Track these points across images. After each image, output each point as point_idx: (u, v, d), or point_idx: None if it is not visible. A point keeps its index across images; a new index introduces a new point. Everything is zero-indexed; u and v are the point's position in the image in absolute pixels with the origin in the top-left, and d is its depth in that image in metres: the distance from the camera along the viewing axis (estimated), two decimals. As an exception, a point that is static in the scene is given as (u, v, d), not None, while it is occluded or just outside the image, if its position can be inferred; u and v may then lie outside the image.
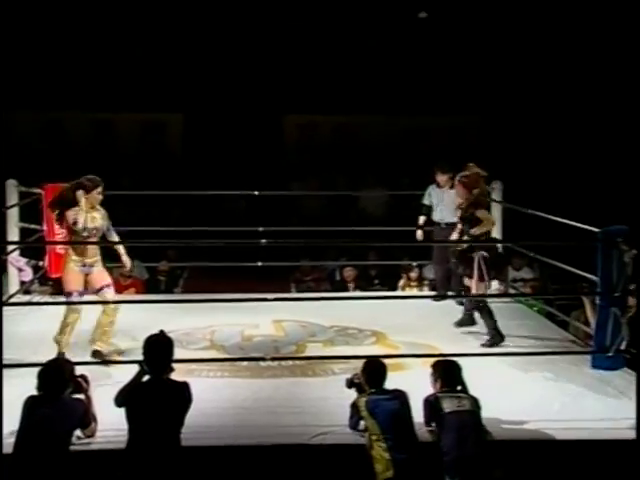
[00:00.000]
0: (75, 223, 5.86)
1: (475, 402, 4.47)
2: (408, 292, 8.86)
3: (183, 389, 4.03)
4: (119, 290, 9.07)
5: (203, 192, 10.48)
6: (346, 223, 10.91)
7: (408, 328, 6.81)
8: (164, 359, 4.07)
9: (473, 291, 6.34)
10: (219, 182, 11.54)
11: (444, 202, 7.70)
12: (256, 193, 8.75)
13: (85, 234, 5.91)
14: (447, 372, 4.56)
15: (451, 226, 7.52)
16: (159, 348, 4.09)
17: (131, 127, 13.93)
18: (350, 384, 4.65)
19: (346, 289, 9.28)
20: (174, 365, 4.24)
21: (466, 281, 6.53)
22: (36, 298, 7.62)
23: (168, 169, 13.12)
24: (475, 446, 4.27)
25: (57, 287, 8.33)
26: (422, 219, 7.86)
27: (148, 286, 9.65)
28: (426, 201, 7.85)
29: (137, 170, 12.78)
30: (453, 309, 7.50)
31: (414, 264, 8.99)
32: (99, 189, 5.93)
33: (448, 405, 4.38)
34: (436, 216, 7.77)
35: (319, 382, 5.55)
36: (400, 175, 12.33)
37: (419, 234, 7.88)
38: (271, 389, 5.42)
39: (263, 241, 6.13)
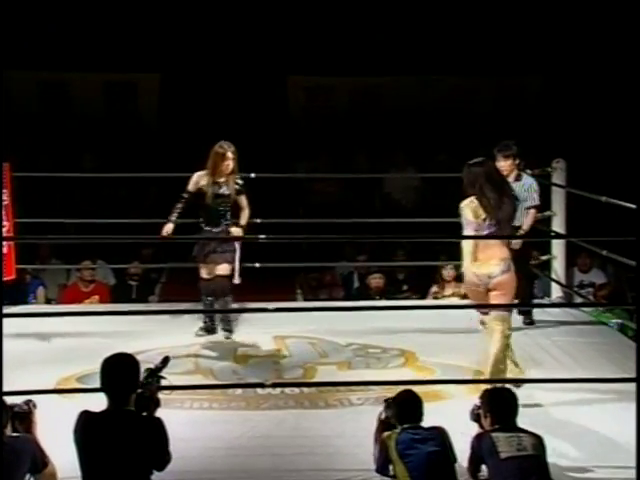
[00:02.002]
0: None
1: (539, 442, 4.43)
2: (445, 301, 8.90)
3: (154, 426, 3.99)
4: (78, 298, 9.18)
5: (184, 174, 10.50)
6: (367, 213, 10.96)
7: (445, 346, 6.87)
8: (127, 385, 4.05)
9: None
10: (205, 161, 11.58)
11: None
12: (252, 175, 8.79)
13: None
14: (501, 404, 4.52)
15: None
16: (121, 371, 4.08)
17: (92, 90, 13.97)
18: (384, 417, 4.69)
19: (368, 297, 9.33)
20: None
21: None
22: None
23: (140, 143, 13.17)
24: None
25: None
26: None
27: (115, 293, 9.71)
28: None
29: (100, 145, 12.84)
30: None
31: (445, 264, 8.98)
32: None
33: (505, 448, 4.33)
34: None
35: (333, 415, 5.59)
36: (437, 152, 12.35)
37: None
38: (272, 424, 5.47)
39: (262, 236, 6.17)
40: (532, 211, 7.51)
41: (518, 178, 7.48)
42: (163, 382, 4.17)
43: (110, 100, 13.98)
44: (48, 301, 9.56)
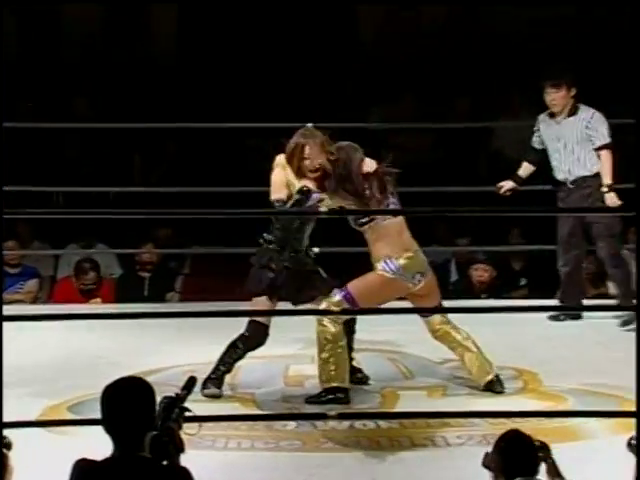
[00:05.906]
0: None
1: None
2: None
3: (178, 479, 3.98)
4: (73, 297, 9.24)
5: (212, 124, 10.54)
6: (469, 178, 10.87)
7: (580, 364, 6.87)
8: (140, 422, 3.99)
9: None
10: (240, 108, 11.59)
11: (566, 139, 7.92)
12: (309, 126, 8.75)
13: None
14: None
15: (585, 183, 7.80)
16: (130, 402, 4.05)
17: (89, 16, 14.08)
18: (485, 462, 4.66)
19: (470, 294, 9.28)
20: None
21: None
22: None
23: (152, 84, 13.23)
24: None
25: None
26: (523, 168, 8.22)
27: (122, 289, 9.79)
28: (535, 143, 8.18)
29: (98, 85, 12.92)
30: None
31: None
32: None
33: None
34: (557, 171, 8.04)
35: (422, 459, 5.61)
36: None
37: (506, 186, 8.16)
38: (337, 470, 5.50)
39: (323, 209, 6.12)
40: (605, 152, 7.84)
41: (573, 112, 7.93)
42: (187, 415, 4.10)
43: (111, 28, 14.06)
44: (35, 300, 9.65)
